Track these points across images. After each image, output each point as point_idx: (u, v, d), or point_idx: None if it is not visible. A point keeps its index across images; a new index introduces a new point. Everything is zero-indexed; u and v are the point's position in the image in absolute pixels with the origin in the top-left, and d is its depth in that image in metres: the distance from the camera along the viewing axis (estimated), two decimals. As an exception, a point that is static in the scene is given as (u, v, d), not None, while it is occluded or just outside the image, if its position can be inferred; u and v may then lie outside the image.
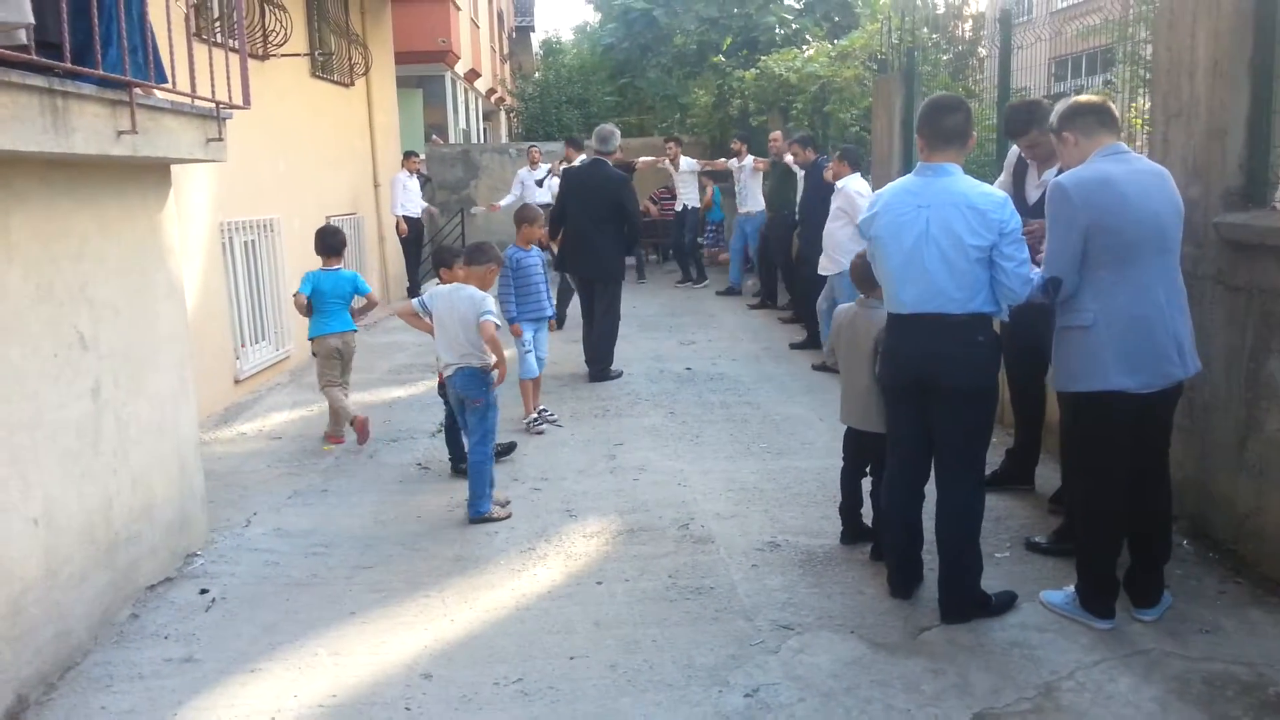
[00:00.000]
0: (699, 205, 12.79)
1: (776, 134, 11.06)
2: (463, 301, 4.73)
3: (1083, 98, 3.61)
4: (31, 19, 2.82)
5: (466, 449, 4.94)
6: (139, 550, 3.89)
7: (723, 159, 12.27)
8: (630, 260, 8.95)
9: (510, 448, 5.64)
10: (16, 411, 3.18)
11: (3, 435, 3.11)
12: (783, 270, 10.72)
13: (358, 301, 6.21)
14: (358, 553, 4.35)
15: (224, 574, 4.15)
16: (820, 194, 8.17)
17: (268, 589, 4.00)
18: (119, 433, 3.78)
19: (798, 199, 9.69)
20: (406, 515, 4.81)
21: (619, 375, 7.68)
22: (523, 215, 6.53)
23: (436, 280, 5.52)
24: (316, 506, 4.95)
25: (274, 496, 5.09)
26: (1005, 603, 3.65)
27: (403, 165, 12.13)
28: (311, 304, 5.99)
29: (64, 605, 3.37)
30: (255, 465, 5.65)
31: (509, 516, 4.73)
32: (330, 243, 6.13)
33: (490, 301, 4.78)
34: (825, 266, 7.71)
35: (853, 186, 7.44)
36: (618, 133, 8.10)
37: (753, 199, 11.34)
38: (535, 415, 6.29)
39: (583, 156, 9.68)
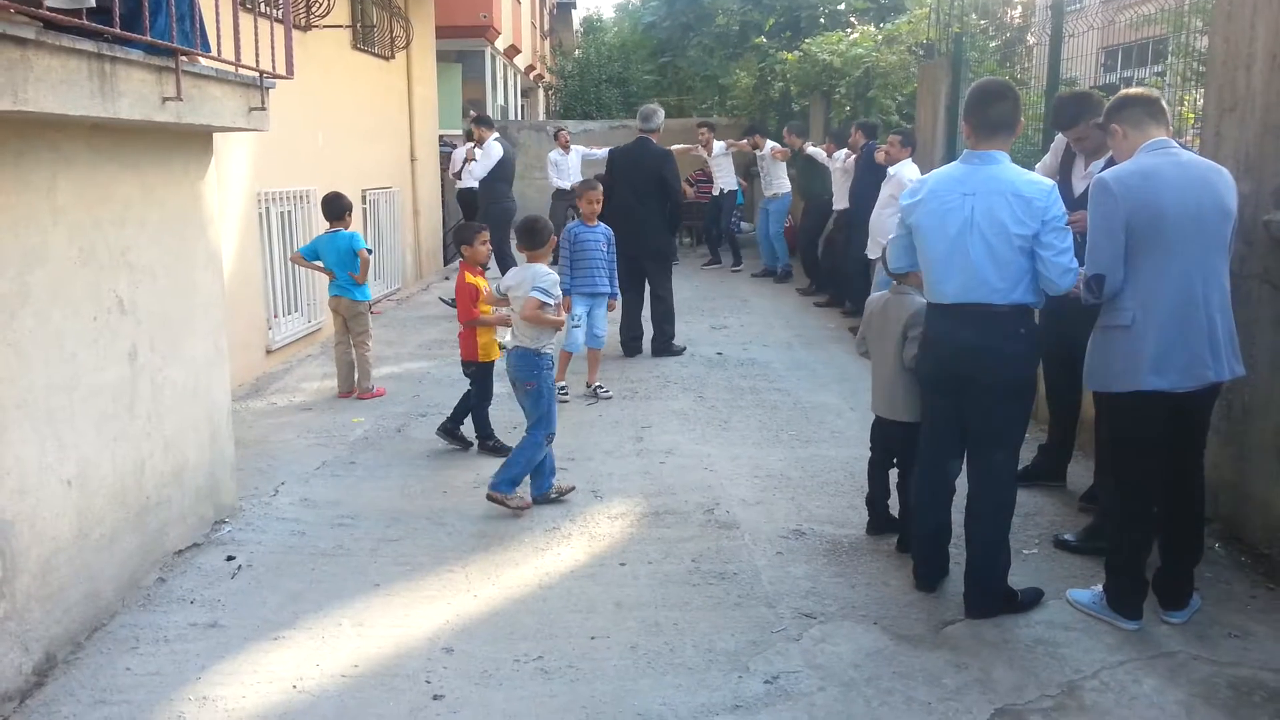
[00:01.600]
0: (736, 188, 12.79)
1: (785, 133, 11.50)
2: (529, 278, 4.61)
3: (1132, 90, 3.55)
4: None
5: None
6: (168, 515, 3.94)
7: (744, 140, 12.34)
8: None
9: (504, 445, 5.31)
10: (55, 373, 3.23)
11: (40, 396, 3.15)
12: (807, 258, 10.96)
13: (363, 268, 6.45)
14: (383, 525, 4.38)
15: (251, 542, 4.20)
16: (869, 180, 8.14)
17: (294, 558, 4.04)
18: (154, 397, 3.82)
19: (828, 186, 9.73)
20: (432, 490, 4.84)
21: (682, 350, 7.82)
22: (579, 192, 6.67)
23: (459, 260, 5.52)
24: (344, 478, 4.99)
25: (302, 467, 5.14)
26: (1031, 599, 3.62)
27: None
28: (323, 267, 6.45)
29: (94, 566, 3.42)
30: (285, 435, 5.70)
31: (523, 508, 4.51)
32: (334, 207, 6.49)
33: (548, 279, 4.62)
34: (873, 250, 7.63)
35: (906, 174, 7.32)
36: (661, 110, 8.20)
37: (777, 182, 11.65)
38: (593, 389, 6.52)
39: (495, 135, 9.96)
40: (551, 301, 4.59)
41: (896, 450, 4.16)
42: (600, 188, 6.72)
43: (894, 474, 4.23)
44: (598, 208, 6.61)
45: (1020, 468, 4.70)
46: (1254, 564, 3.90)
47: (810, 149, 10.62)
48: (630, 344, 7.81)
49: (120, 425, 3.60)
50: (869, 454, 4.31)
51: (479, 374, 5.43)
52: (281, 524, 4.39)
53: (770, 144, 11.78)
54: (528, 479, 4.63)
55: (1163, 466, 3.45)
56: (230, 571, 3.91)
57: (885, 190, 7.49)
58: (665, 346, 7.79)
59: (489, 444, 5.40)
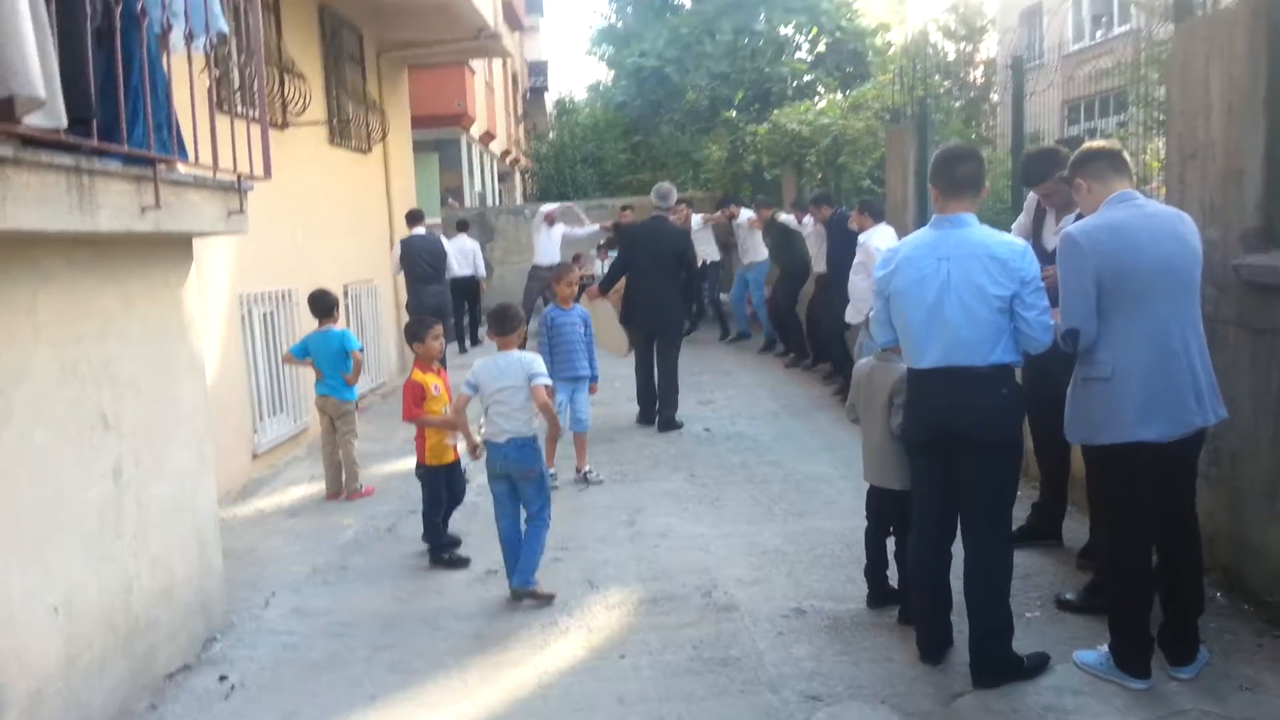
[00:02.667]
0: (718, 260, 13.06)
1: (731, 208, 12.18)
2: (514, 366, 4.58)
3: (1095, 144, 3.61)
4: (43, 96, 2.84)
5: (498, 526, 4.70)
6: (158, 636, 3.85)
7: (719, 213, 12.69)
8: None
9: (460, 557, 5.12)
10: (39, 494, 3.19)
11: (25, 520, 3.11)
12: (783, 325, 11.09)
13: (355, 369, 6.41)
14: (377, 632, 4.30)
15: (242, 658, 4.11)
16: (845, 246, 8.24)
17: (286, 673, 3.96)
18: (139, 514, 3.77)
19: (806, 253, 9.89)
20: (426, 591, 4.76)
21: (681, 425, 7.89)
22: (556, 274, 6.67)
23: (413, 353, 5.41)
24: (335, 585, 4.91)
25: (293, 575, 5.05)
26: (1038, 664, 3.56)
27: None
28: (314, 365, 6.37)
29: (83, 696, 3.34)
30: (273, 543, 5.62)
31: (552, 597, 4.49)
32: (321, 304, 6.43)
33: (540, 363, 4.64)
34: (851, 315, 7.73)
35: (874, 242, 7.44)
36: (674, 190, 8.62)
37: (754, 250, 11.91)
38: (583, 474, 6.47)
39: (419, 229, 10.33)
40: (551, 384, 4.67)
41: (892, 519, 4.13)
42: (576, 273, 6.82)
43: (892, 543, 4.20)
44: (574, 290, 6.67)
45: (1015, 528, 4.67)
46: (1257, 611, 3.87)
47: (781, 217, 10.88)
48: (648, 413, 8.00)
49: (106, 545, 3.55)
50: (864, 524, 4.28)
51: (429, 478, 5.14)
52: (274, 637, 4.30)
53: (745, 213, 12.01)
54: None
55: (1155, 517, 3.44)
56: (223, 693, 3.81)
57: (857, 257, 7.63)
58: (670, 421, 7.89)
59: (443, 556, 5.05)
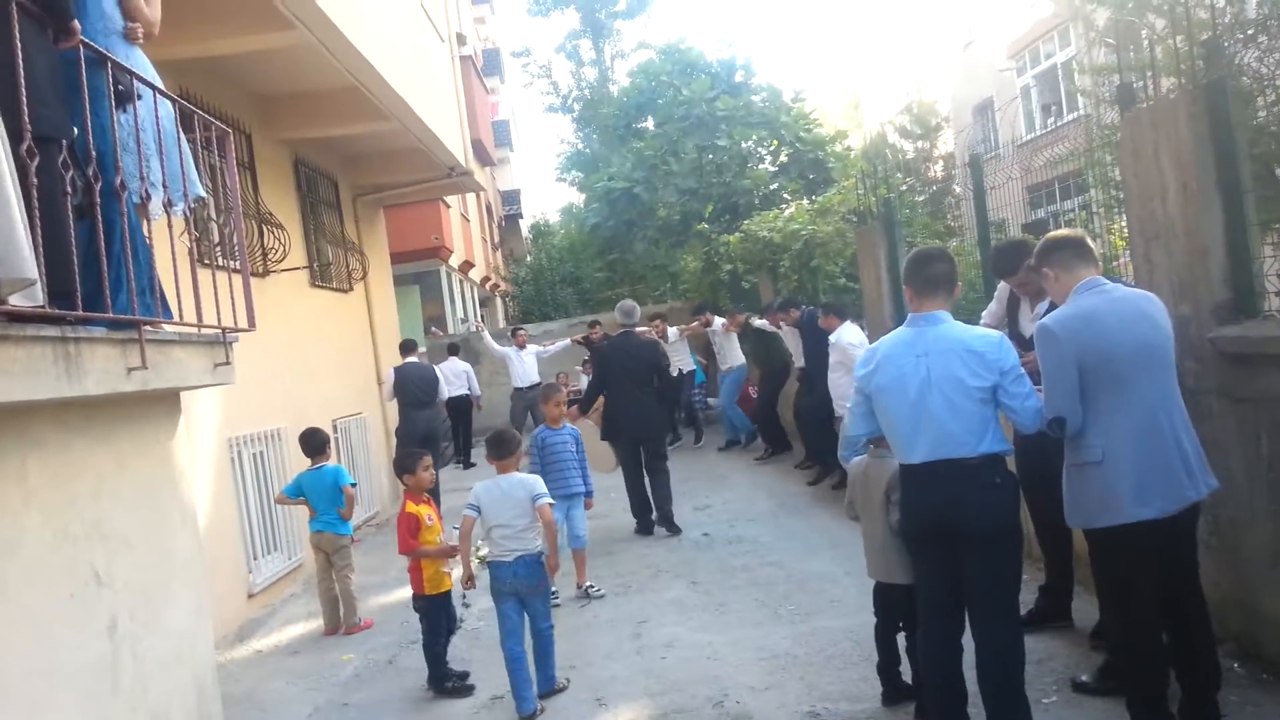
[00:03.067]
0: (695, 368, 13.44)
1: (706, 316, 12.87)
2: (516, 488, 4.75)
3: (1058, 234, 3.72)
4: (34, 276, 2.93)
5: (504, 647, 4.71)
6: (161, 791, 3.75)
7: (694, 323, 13.13)
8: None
9: (465, 685, 5.10)
10: (34, 658, 3.13)
11: (19, 684, 3.05)
12: (765, 423, 11.36)
13: (349, 504, 6.42)
14: (385, 768, 4.19)
15: (249, 806, 3.99)
16: (820, 341, 8.53)
17: (295, 819, 3.84)
18: (136, 668, 3.71)
19: (785, 353, 10.11)
20: (433, 722, 4.66)
21: (679, 531, 8.00)
22: (543, 395, 6.79)
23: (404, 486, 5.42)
24: (340, 723, 4.80)
25: (295, 716, 4.95)
26: None
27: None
28: (307, 503, 6.38)
29: None
30: (273, 684, 5.51)
31: (566, 686, 4.81)
32: (313, 443, 6.49)
33: (541, 484, 4.82)
34: (839, 409, 7.88)
35: (845, 338, 7.86)
36: (638, 307, 9.07)
37: (731, 355, 12.37)
38: (584, 589, 6.46)
39: (412, 358, 10.70)
40: (554, 501, 4.87)
41: (900, 613, 4.09)
42: (564, 391, 6.99)
43: (903, 638, 4.15)
44: (562, 410, 6.77)
45: (1024, 612, 4.65)
46: (1277, 680, 3.82)
47: (756, 322, 11.18)
48: (645, 522, 8.10)
49: (103, 704, 3.47)
50: (873, 620, 4.24)
51: (428, 609, 5.11)
52: (279, 783, 4.19)
53: (719, 320, 12.46)
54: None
55: (1161, 593, 3.43)
56: (229, 846, 3.70)
57: (833, 356, 7.94)
58: (669, 518, 8.06)
59: (446, 685, 5.01)
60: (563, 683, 4.82)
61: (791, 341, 9.94)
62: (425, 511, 5.19)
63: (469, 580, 4.78)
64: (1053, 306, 3.76)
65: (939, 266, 3.67)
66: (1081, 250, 3.57)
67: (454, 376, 13.31)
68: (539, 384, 12.75)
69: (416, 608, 5.17)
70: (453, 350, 14.27)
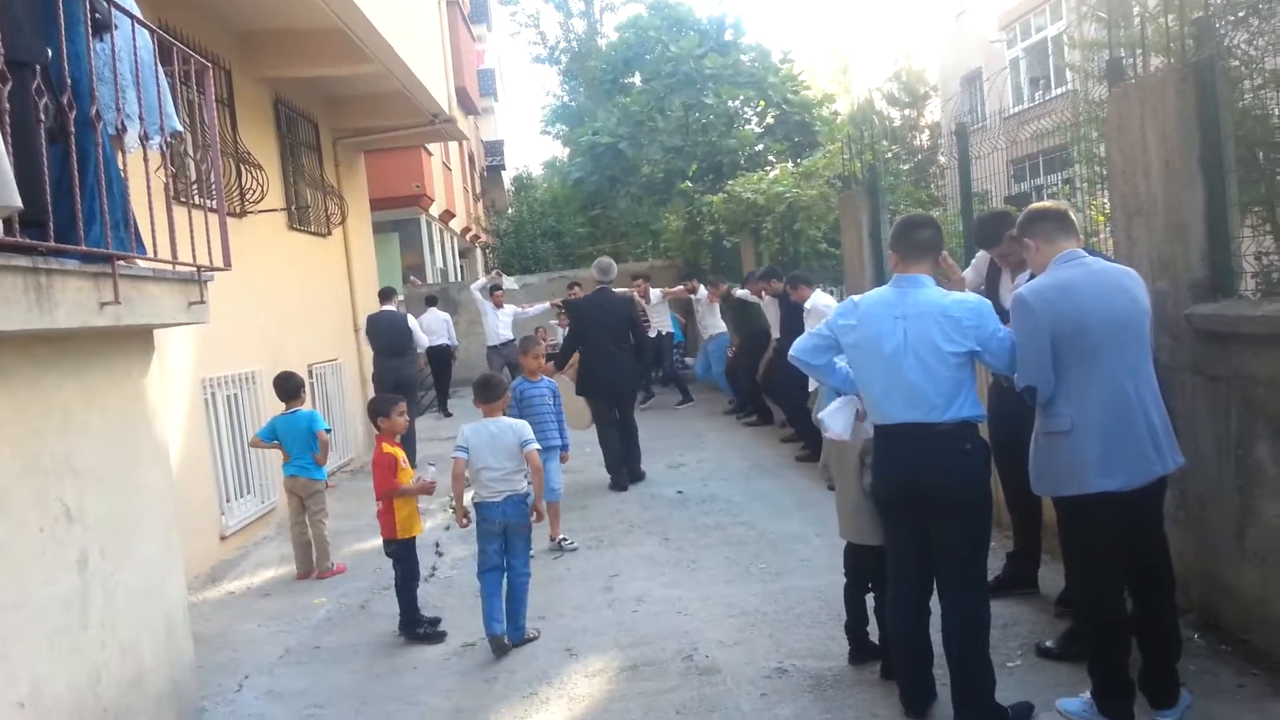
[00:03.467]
0: (674, 330, 13.53)
1: (692, 283, 12.97)
2: (505, 432, 4.89)
3: (1041, 205, 3.72)
4: (19, 204, 2.89)
5: (479, 585, 4.86)
6: (128, 726, 3.75)
7: (680, 286, 13.25)
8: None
9: (437, 631, 5.11)
10: (3, 591, 3.12)
11: (-12, 616, 3.04)
12: (745, 388, 11.39)
13: (324, 450, 6.42)
14: (353, 711, 4.22)
15: (217, 744, 4.01)
16: (795, 315, 8.59)
17: (263, 757, 3.86)
18: (107, 603, 3.70)
19: (765, 322, 10.34)
20: (402, 667, 4.69)
21: (644, 475, 8.38)
22: (522, 348, 6.77)
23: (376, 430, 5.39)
24: (309, 665, 4.82)
25: (265, 656, 4.96)
26: (1022, 715, 3.57)
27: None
28: (281, 447, 6.37)
29: (52, 792, 3.23)
30: (245, 625, 5.52)
31: (536, 637, 4.87)
32: (287, 387, 6.47)
33: (529, 429, 4.96)
34: (813, 382, 7.86)
35: (821, 302, 8.04)
36: (614, 264, 9.14)
37: (712, 324, 12.45)
38: (557, 541, 6.52)
39: (389, 306, 10.74)
40: (540, 447, 4.97)
41: (870, 575, 4.14)
42: (543, 345, 6.95)
43: (871, 599, 4.20)
44: (540, 363, 6.77)
45: (991, 578, 4.70)
46: (1235, 651, 3.90)
47: (738, 292, 11.22)
48: (619, 478, 8.19)
49: (73, 637, 3.46)
50: (842, 581, 4.28)
51: (401, 552, 5.10)
52: (247, 722, 4.21)
53: (703, 289, 12.50)
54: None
55: (1125, 563, 3.48)
56: (196, 781, 3.72)
57: (808, 324, 7.89)
58: (637, 472, 8.34)
59: (418, 631, 5.01)
60: (533, 633, 4.86)
61: (771, 312, 9.95)
62: (400, 453, 5.18)
63: (465, 519, 4.91)
64: (1032, 277, 3.77)
65: (925, 232, 3.70)
66: (1064, 223, 3.57)
67: (435, 326, 13.43)
68: (511, 341, 12.96)
69: (389, 552, 5.16)
70: (431, 301, 14.42)
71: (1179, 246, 4.08)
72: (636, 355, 8.62)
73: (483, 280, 14.12)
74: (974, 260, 4.99)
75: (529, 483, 4.88)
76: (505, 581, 4.83)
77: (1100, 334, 3.37)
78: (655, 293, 13.08)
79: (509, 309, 13.69)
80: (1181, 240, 4.07)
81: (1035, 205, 3.73)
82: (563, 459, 6.75)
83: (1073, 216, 3.63)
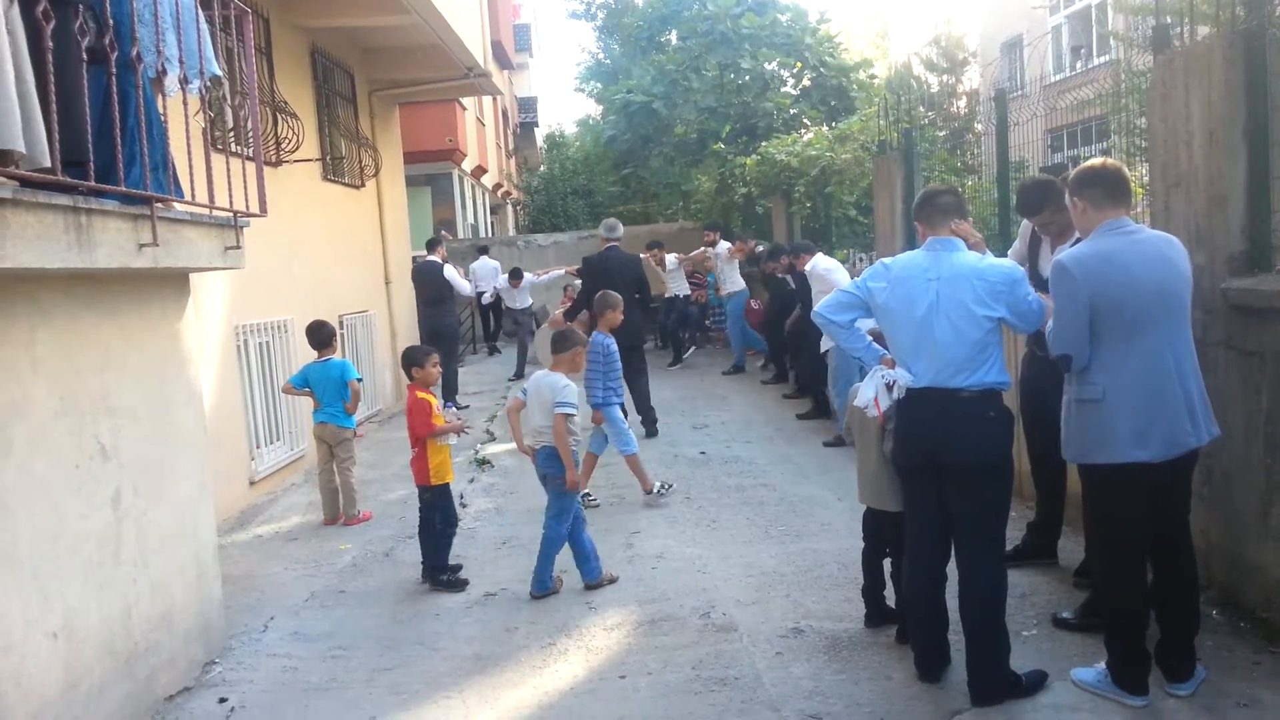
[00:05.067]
0: (687, 294, 13.34)
1: (709, 234, 12.78)
2: (546, 387, 4.99)
3: (1097, 165, 3.58)
4: (21, 148, 2.89)
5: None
6: (158, 660, 3.86)
7: (699, 250, 13.00)
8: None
9: (460, 579, 5.17)
10: (40, 525, 3.20)
11: (25, 549, 3.12)
12: (775, 347, 11.37)
13: (355, 399, 6.50)
14: (376, 654, 4.31)
15: (242, 681, 4.11)
16: (807, 282, 8.69)
17: (286, 696, 3.96)
18: (139, 541, 3.79)
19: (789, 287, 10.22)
20: (425, 613, 4.77)
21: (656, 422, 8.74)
22: (605, 303, 6.82)
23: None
24: (334, 608, 4.92)
25: (291, 599, 5.06)
26: (1036, 682, 3.58)
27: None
28: (313, 394, 6.45)
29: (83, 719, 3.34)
30: (272, 568, 5.63)
31: (558, 590, 4.91)
32: (319, 336, 6.54)
33: (571, 392, 4.96)
34: (826, 343, 7.91)
35: (819, 266, 8.20)
36: (620, 223, 9.56)
37: (731, 281, 12.34)
38: (656, 489, 6.57)
39: (433, 256, 11.12)
40: (575, 413, 4.94)
41: (888, 540, 4.16)
42: (620, 301, 6.99)
43: (889, 563, 4.22)
44: (618, 318, 6.86)
45: (1010, 547, 4.72)
46: (1254, 629, 3.89)
47: (760, 248, 11.15)
48: (652, 425, 8.66)
49: (106, 572, 3.56)
50: (861, 545, 4.31)
51: (436, 498, 5.15)
52: (273, 660, 4.31)
53: (724, 244, 12.31)
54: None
55: (1150, 536, 3.47)
56: (223, 715, 3.82)
57: (815, 288, 8.07)
58: (652, 426, 8.74)
59: (442, 579, 5.08)
60: (556, 586, 4.93)
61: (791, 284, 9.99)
62: (434, 400, 5.25)
63: (528, 450, 5.09)
64: (1078, 240, 3.74)
65: (947, 198, 3.73)
66: (1115, 189, 3.48)
67: (485, 273, 14.89)
68: (529, 307, 13.98)
69: (424, 498, 5.20)
70: (482, 250, 16.00)
71: (1218, 219, 4.03)
72: (644, 310, 8.94)
73: (503, 279, 14.46)
74: (1020, 229, 4.94)
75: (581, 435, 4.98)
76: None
77: (1141, 304, 3.34)
78: (670, 258, 13.05)
79: (527, 278, 13.99)
80: (1221, 213, 4.01)
81: (1091, 164, 3.62)
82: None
83: (1126, 181, 3.52)
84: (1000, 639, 3.54)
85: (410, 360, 5.41)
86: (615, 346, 6.69)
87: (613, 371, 6.59)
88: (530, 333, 13.57)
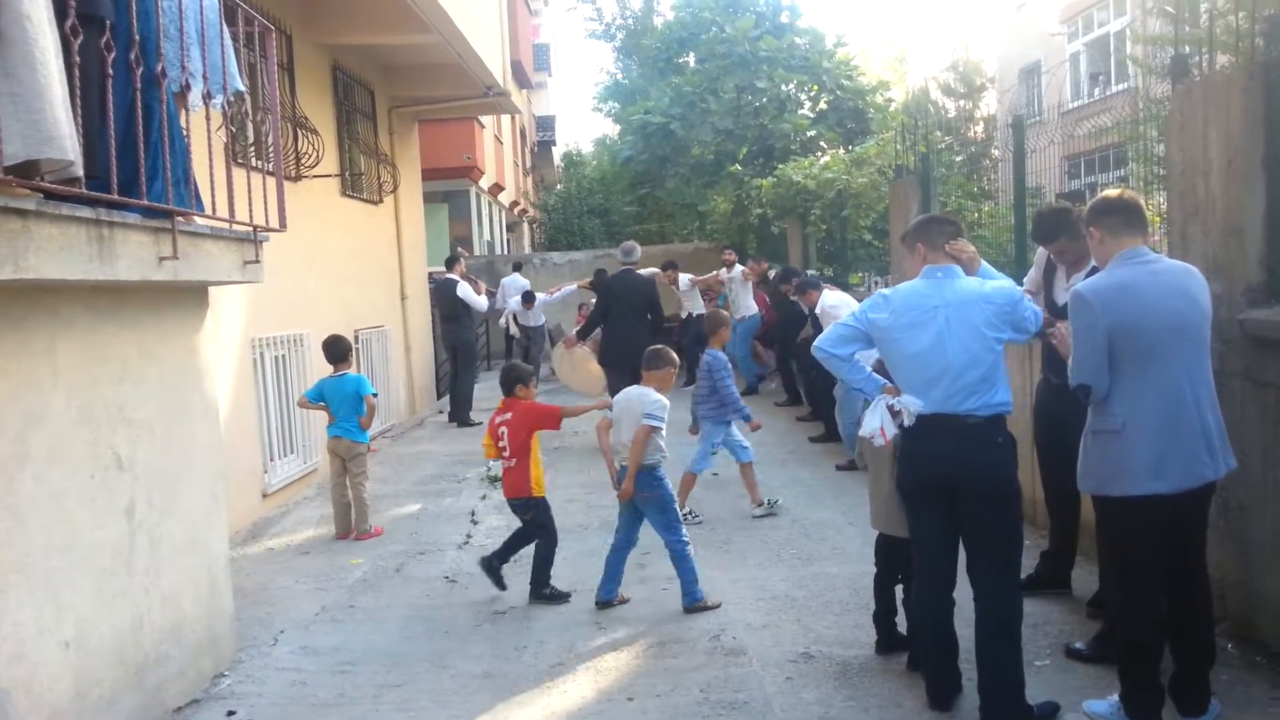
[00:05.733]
0: (702, 314, 13.10)
1: (728, 253, 12.72)
2: (635, 401, 4.95)
3: (1113, 195, 3.59)
4: (73, 157, 2.95)
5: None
6: (167, 671, 3.87)
7: (712, 272, 12.92)
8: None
9: (562, 593, 5.19)
10: (54, 534, 3.22)
11: (39, 558, 3.14)
12: (784, 369, 11.47)
13: (370, 414, 6.54)
14: (385, 670, 4.30)
15: (251, 695, 4.11)
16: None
17: (294, 710, 3.95)
18: (151, 552, 3.80)
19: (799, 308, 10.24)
20: (434, 630, 4.77)
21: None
22: (717, 321, 6.90)
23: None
24: (344, 623, 4.92)
25: (301, 613, 5.07)
26: (1048, 714, 3.55)
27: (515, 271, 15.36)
28: (328, 409, 6.48)
29: (93, 729, 3.34)
30: (283, 581, 5.64)
31: (719, 606, 4.86)
32: (335, 350, 6.59)
33: (662, 407, 4.91)
34: None
35: (827, 303, 8.29)
36: (638, 246, 9.73)
37: (744, 305, 12.17)
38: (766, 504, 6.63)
39: (451, 274, 11.19)
40: (661, 427, 4.86)
41: (900, 566, 4.13)
42: (727, 317, 7.14)
43: (901, 590, 4.19)
44: (728, 336, 6.99)
45: (1024, 576, 4.68)
46: (1269, 664, 3.85)
47: (772, 272, 11.19)
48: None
49: (119, 583, 3.57)
50: (873, 570, 4.28)
51: (541, 511, 5.19)
52: (281, 674, 4.31)
53: (739, 267, 12.31)
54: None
55: (1166, 568, 3.44)
56: (231, 728, 3.82)
57: (822, 324, 8.02)
58: None
59: (544, 593, 5.10)
60: (711, 601, 4.87)
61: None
62: None
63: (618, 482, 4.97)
64: (1093, 270, 3.74)
65: (948, 227, 3.76)
66: (1132, 218, 3.48)
67: (514, 290, 14.72)
68: (543, 324, 14.26)
69: (529, 508, 5.18)
70: (516, 267, 16.41)
71: (1235, 250, 4.01)
72: (654, 332, 8.98)
73: (515, 300, 14.37)
74: (1035, 257, 4.93)
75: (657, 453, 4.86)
76: (667, 552, 4.92)
77: (1157, 335, 3.33)
78: (684, 279, 13.01)
79: (540, 298, 14.01)
80: (1239, 243, 3.99)
81: (1107, 194, 3.63)
82: (752, 427, 6.83)
83: (1142, 210, 3.53)
84: (1015, 669, 3.49)
85: (516, 378, 5.36)
86: (727, 362, 6.73)
87: (722, 385, 6.56)
88: (541, 349, 13.59)
